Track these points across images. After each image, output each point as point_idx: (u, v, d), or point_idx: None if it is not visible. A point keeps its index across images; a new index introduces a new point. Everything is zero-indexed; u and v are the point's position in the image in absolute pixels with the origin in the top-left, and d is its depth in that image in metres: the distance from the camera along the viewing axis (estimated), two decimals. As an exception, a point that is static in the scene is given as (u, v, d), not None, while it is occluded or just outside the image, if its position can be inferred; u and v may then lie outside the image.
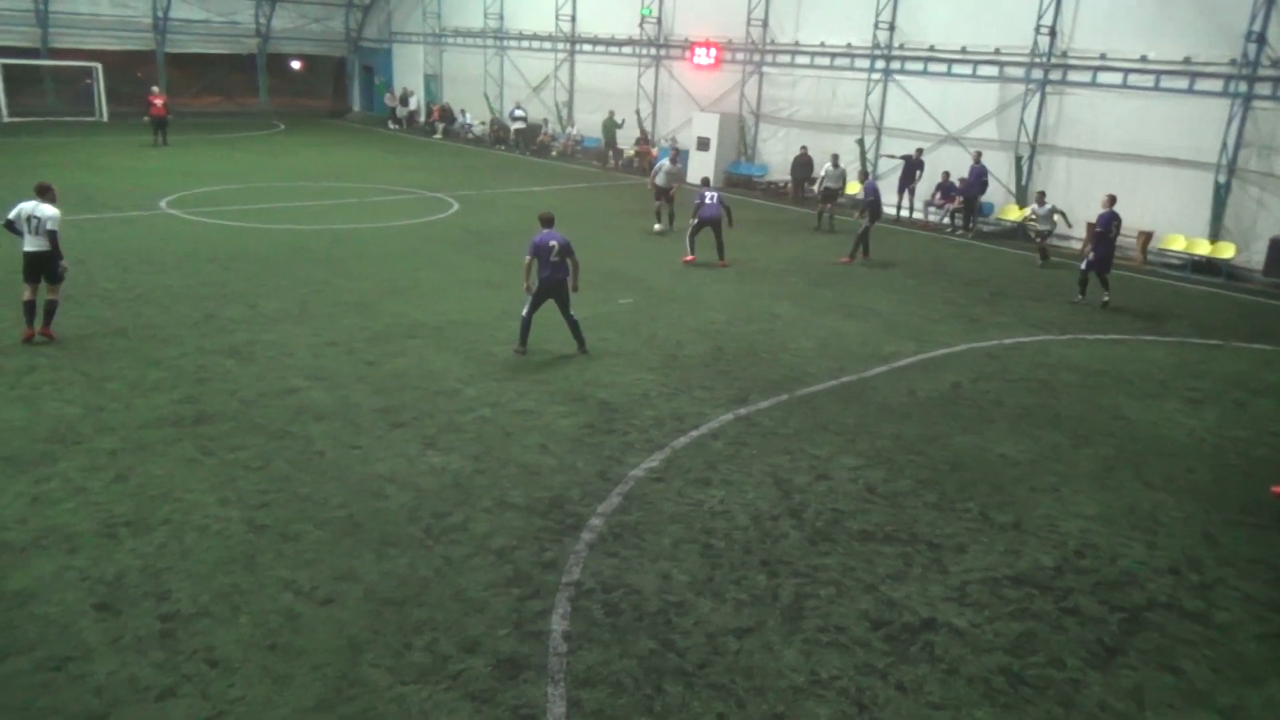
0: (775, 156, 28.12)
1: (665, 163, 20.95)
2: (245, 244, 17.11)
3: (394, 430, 9.36)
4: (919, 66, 24.25)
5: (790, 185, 26.82)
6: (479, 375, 11.04)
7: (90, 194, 21.02)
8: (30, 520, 7.25)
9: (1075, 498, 8.67)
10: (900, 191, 23.95)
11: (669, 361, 11.90)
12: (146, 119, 30.31)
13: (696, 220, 17.41)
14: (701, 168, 28.73)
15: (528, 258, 11.54)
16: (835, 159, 22.53)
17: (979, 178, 22.24)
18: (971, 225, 22.73)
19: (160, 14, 38.58)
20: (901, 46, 24.45)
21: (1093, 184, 21.20)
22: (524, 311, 11.83)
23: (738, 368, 11.82)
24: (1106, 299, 15.93)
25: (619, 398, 10.57)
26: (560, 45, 34.30)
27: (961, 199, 22.59)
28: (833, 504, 8.31)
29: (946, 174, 23.09)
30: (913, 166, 23.58)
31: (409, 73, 42.19)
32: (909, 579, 7.13)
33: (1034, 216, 19.50)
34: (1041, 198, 19.54)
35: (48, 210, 10.82)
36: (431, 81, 41.13)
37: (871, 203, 18.50)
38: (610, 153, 31.66)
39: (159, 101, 30.14)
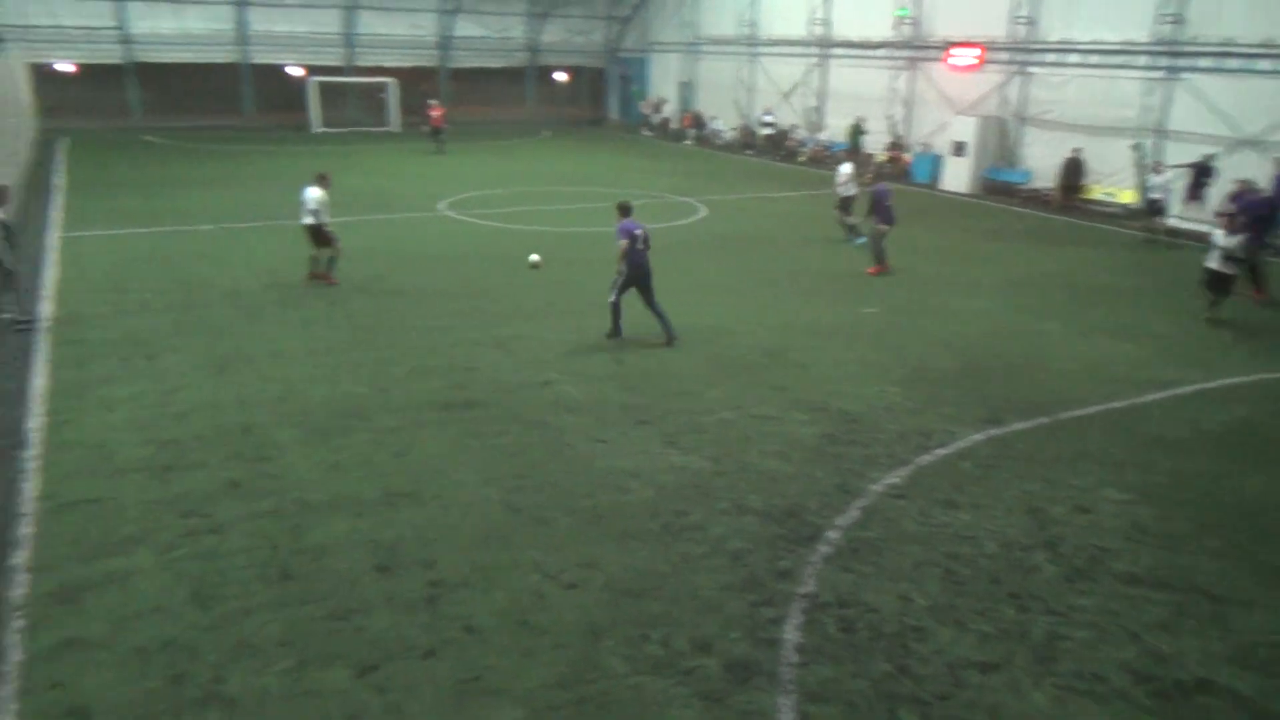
0: (1039, 162, 26.32)
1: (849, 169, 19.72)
2: (509, 243, 18.37)
3: (638, 427, 9.72)
4: (1210, 63, 21.80)
5: (1056, 192, 25.01)
6: (721, 378, 11.22)
7: (383, 196, 23.42)
8: (328, 485, 8.23)
9: (1397, 560, 7.49)
10: (1188, 201, 21.65)
11: (916, 375, 11.51)
12: (426, 129, 33.33)
13: (885, 226, 16.55)
14: (957, 174, 27.49)
15: (624, 242, 12.05)
16: (1157, 165, 20.61)
17: None
18: (1267, 242, 19.88)
19: (445, 32, 42.23)
20: (1191, 41, 22.09)
21: None
22: (611, 298, 12.36)
23: (991, 385, 11.22)
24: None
25: (861, 409, 10.37)
26: (812, 50, 34.01)
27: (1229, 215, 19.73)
28: (1094, 540, 7.70)
29: (1242, 183, 20.52)
30: (1202, 173, 21.21)
31: (664, 80, 43.50)
32: (1182, 632, 6.48)
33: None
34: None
35: (313, 193, 14.39)
36: (685, 89, 42.16)
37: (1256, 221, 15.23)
38: (855, 158, 30.88)
39: (436, 113, 32.98)
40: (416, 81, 42.28)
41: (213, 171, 26.97)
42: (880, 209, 16.62)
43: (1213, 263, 13.99)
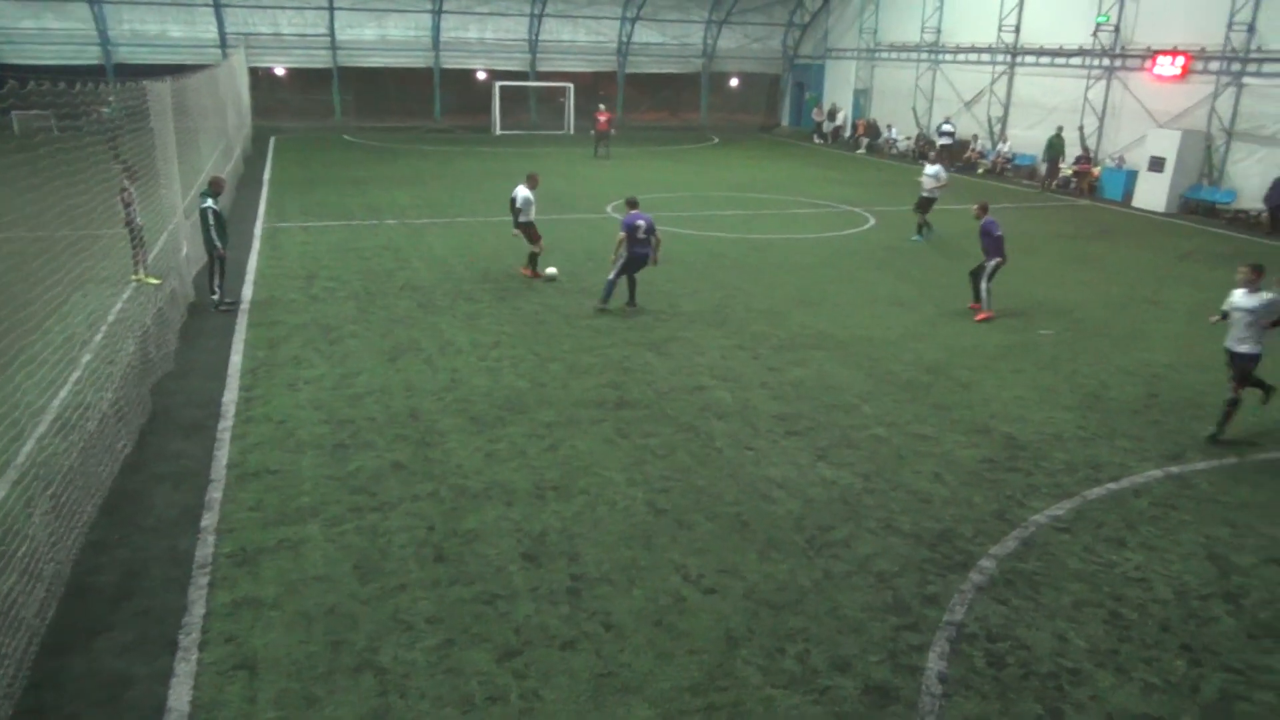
0: (1248, 181, 24.12)
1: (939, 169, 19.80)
2: (673, 249, 18.51)
3: (788, 437, 9.62)
4: None
5: (1267, 214, 22.87)
6: (878, 393, 10.94)
7: (555, 197, 24.16)
8: (483, 473, 8.60)
9: None
10: None
11: (1090, 402, 10.83)
12: (593, 132, 34.14)
13: (1000, 259, 14.05)
14: (1152, 191, 25.59)
15: (621, 234, 13.47)
16: None
17: None
18: None
19: (624, 38, 43.16)
20: None
21: None
22: (610, 275, 13.77)
23: (1175, 418, 10.41)
24: None
25: (1027, 435, 9.85)
26: (1000, 57, 32.53)
27: None
28: (1286, 596, 7.02)
29: None
30: None
31: (839, 88, 42.75)
32: (1385, 706, 5.81)
33: None
34: None
35: (519, 191, 15.31)
36: (860, 96, 41.29)
37: None
38: (1049, 170, 29.30)
39: (604, 118, 33.66)
40: (595, 86, 43.44)
41: (401, 170, 28.66)
42: (992, 243, 14.06)
43: None
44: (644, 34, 43.57)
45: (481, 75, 41.72)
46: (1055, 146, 28.92)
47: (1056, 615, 6.68)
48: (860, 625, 6.51)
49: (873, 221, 22.17)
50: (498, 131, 39.96)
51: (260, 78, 38.81)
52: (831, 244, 19.65)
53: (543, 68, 42.45)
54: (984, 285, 14.14)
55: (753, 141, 41.68)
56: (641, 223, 13.41)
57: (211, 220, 13.14)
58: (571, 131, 41.13)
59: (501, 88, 40.33)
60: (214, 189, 13.58)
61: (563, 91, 41.54)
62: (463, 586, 6.79)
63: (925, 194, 19.95)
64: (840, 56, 42.67)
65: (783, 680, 5.91)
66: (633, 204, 13.92)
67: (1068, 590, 7.00)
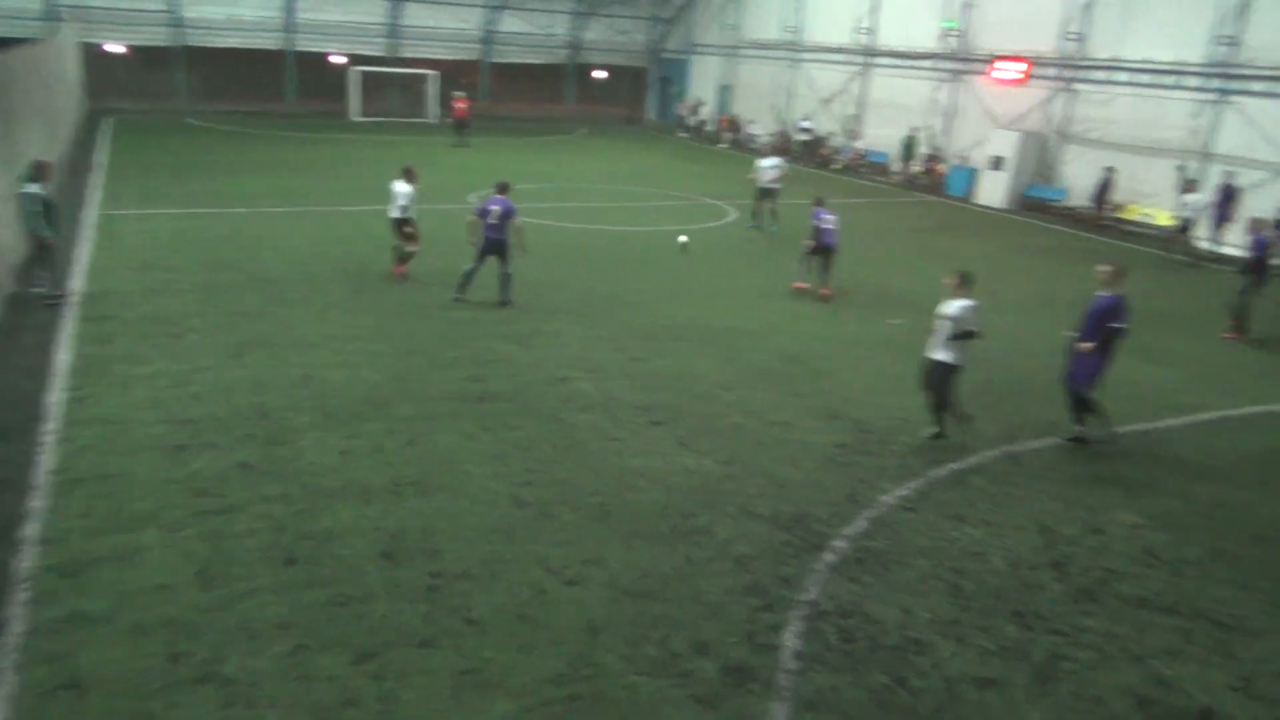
0: (1078, 180, 25.95)
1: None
2: (538, 240, 18.36)
3: (651, 427, 9.72)
4: (1263, 87, 21.39)
5: (1093, 210, 24.67)
6: (738, 382, 11.19)
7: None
8: (338, 471, 8.31)
9: None
10: (1217, 224, 21.28)
11: (935, 389, 11.39)
12: (450, 120, 33.51)
13: (813, 244, 15.39)
14: (993, 188, 27.19)
15: (472, 218, 13.45)
16: (1189, 186, 20.83)
17: None
18: None
19: (489, 27, 42.51)
20: (1247, 64, 21.69)
21: None
22: (468, 266, 13.52)
23: (1011, 402, 11.10)
24: None
25: (877, 420, 10.30)
26: (856, 58, 33.81)
27: None
28: (1104, 562, 7.59)
29: (1255, 220, 20.03)
30: (1228, 196, 20.76)
31: (703, 83, 43.47)
32: (1186, 658, 6.37)
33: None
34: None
35: (401, 188, 14.53)
36: (723, 92, 42.10)
37: (1257, 259, 14.82)
38: (906, 168, 30.64)
39: (462, 105, 33.02)
40: (458, 75, 42.57)
41: (251, 156, 27.34)
42: (821, 235, 15.30)
43: None
44: (509, 23, 43.03)
45: (338, 59, 40.25)
46: (911, 145, 30.33)
47: (902, 590, 7.02)
48: (720, 608, 6.65)
49: (734, 215, 22.65)
50: (356, 118, 38.68)
51: (95, 55, 36.15)
52: (695, 236, 19.92)
53: (404, 53, 41.33)
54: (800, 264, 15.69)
55: (619, 134, 41.86)
56: (495, 207, 13.16)
57: (38, 207, 12.16)
58: (434, 120, 40.24)
59: (360, 73, 39.04)
60: (38, 174, 12.56)
61: (425, 79, 40.57)
62: (316, 589, 6.55)
63: (765, 185, 20.44)
64: (704, 52, 43.37)
65: (645, 666, 5.98)
66: (500, 188, 13.57)
67: (913, 566, 7.36)
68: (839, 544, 7.63)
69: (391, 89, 41.74)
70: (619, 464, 8.83)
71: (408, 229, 14.68)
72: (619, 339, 12.51)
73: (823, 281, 15.39)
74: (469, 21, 42.23)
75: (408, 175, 14.70)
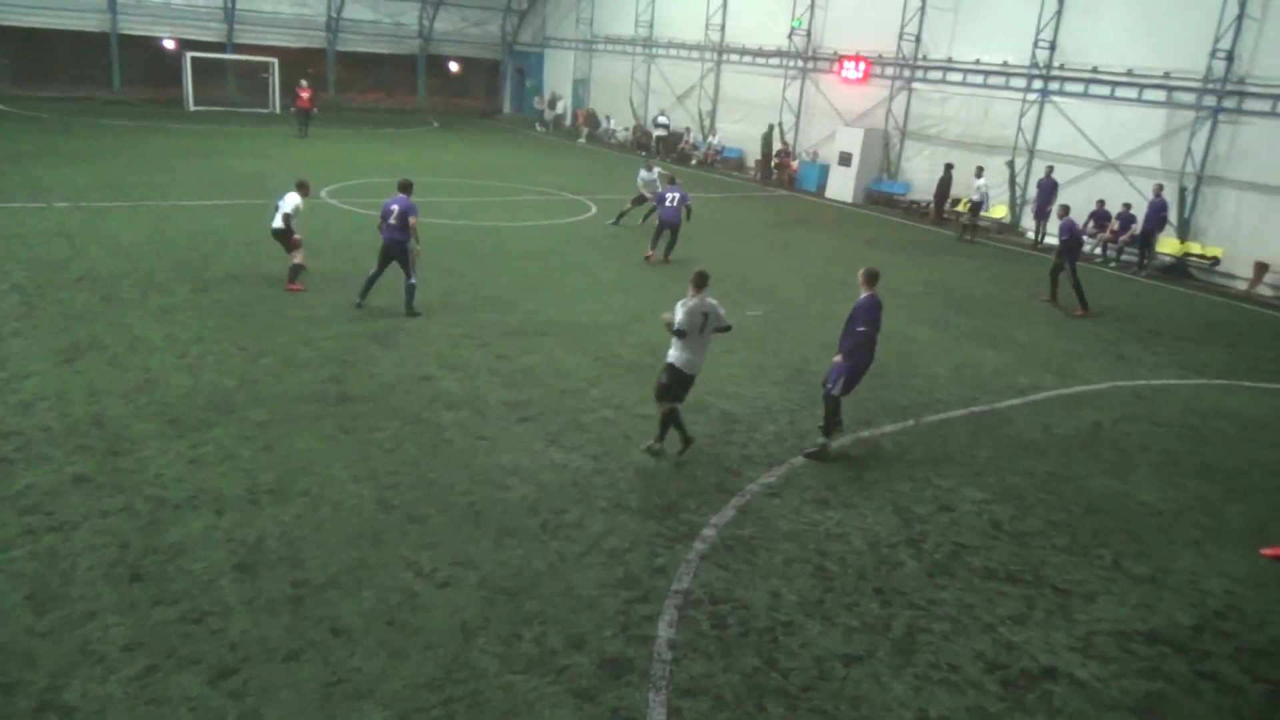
0: (919, 175, 27.40)
1: (643, 173, 20.45)
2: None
3: (520, 424, 9.62)
4: (1079, 88, 23.16)
5: (932, 206, 26.09)
6: (605, 376, 11.22)
7: (260, 180, 22.47)
8: (186, 480, 7.83)
9: (1221, 555, 8.10)
10: (1037, 217, 22.93)
11: (795, 377, 11.78)
12: (293, 109, 32.20)
13: (658, 221, 17.52)
14: (842, 183, 28.31)
15: (380, 219, 12.71)
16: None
17: (1158, 212, 20.58)
18: (1147, 263, 21.11)
19: (334, 14, 40.92)
20: (1062, 66, 23.41)
21: (1267, 221, 19.80)
22: (371, 271, 12.89)
23: (865, 389, 11.50)
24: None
25: (742, 410, 10.54)
26: (708, 55, 34.46)
27: (1130, 232, 21.06)
28: (955, 537, 8.05)
29: (1101, 202, 21.85)
30: (1049, 189, 22.42)
31: (559, 77, 43.29)
32: (1031, 623, 6.84)
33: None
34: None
35: (290, 199, 13.53)
36: (580, 86, 42.07)
37: (1067, 242, 16.43)
38: (764, 164, 31.42)
39: (305, 94, 31.78)
40: (303, 63, 40.82)
41: (75, 145, 25.34)
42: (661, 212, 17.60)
43: None
44: (355, 10, 41.54)
45: (169, 44, 37.84)
46: (768, 141, 31.18)
47: (770, 574, 7.22)
48: (594, 602, 6.65)
49: (595, 209, 22.69)
50: (191, 107, 36.49)
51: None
52: (556, 231, 19.88)
53: (243, 40, 39.21)
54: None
55: (474, 127, 41.20)
56: (395, 207, 12.43)
57: None
58: (277, 110, 38.44)
59: (194, 59, 36.84)
60: None
61: (266, 67, 38.70)
62: (166, 607, 6.15)
63: (641, 193, 20.50)
64: (559, 46, 43.20)
65: (520, 665, 5.92)
66: (401, 186, 12.76)
67: (779, 550, 7.58)
68: (709, 533, 7.78)
69: (230, 77, 39.61)
70: (488, 462, 8.70)
71: (295, 237, 13.63)
72: (484, 336, 12.32)
73: (662, 253, 17.45)
74: (311, 8, 40.52)
75: (301, 188, 13.76)
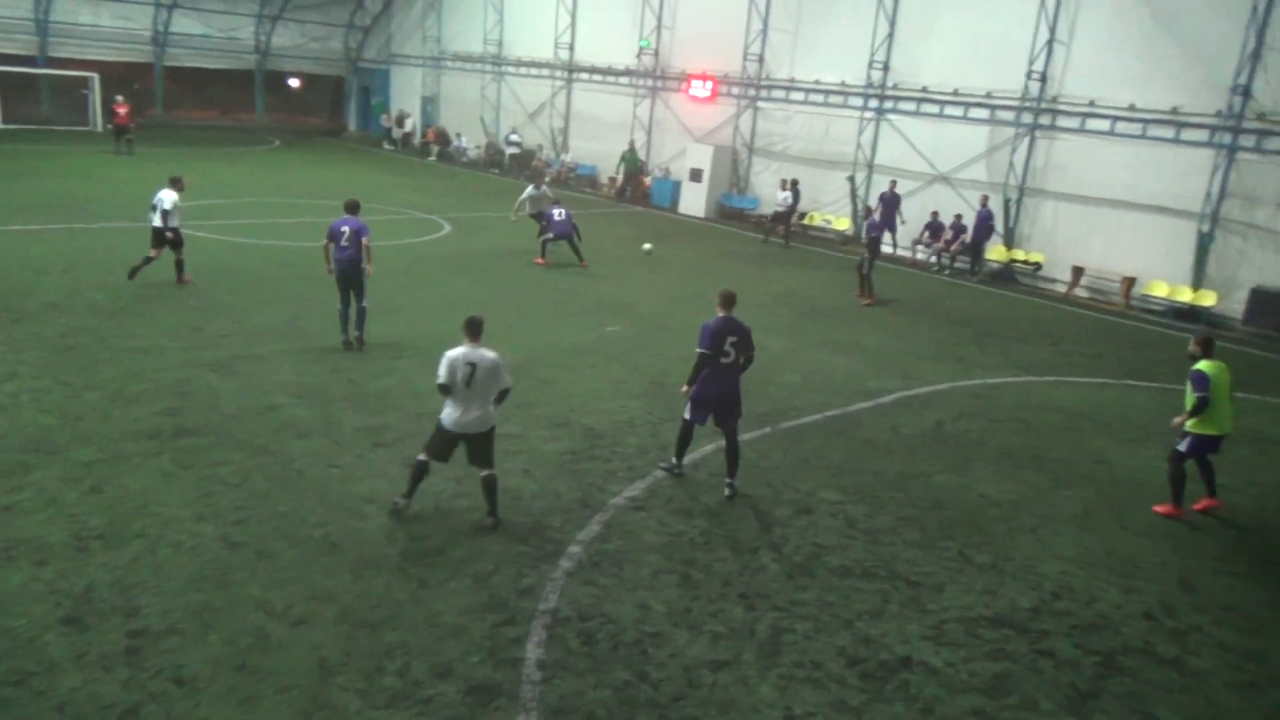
0: (768, 190, 28.30)
1: (531, 190, 20.56)
2: (235, 259, 17.08)
3: (376, 450, 9.31)
4: (912, 106, 24.54)
5: (770, 221, 26.96)
6: (463, 398, 10.98)
7: (80, 202, 21.00)
8: (2, 530, 7.16)
9: (1054, 539, 8.68)
10: (882, 228, 24.08)
11: (654, 389, 11.90)
12: (110, 126, 30.43)
13: (551, 235, 18.81)
14: (694, 199, 28.92)
15: (325, 241, 12.20)
16: (786, 183, 24.60)
17: (986, 221, 22.07)
18: (978, 269, 22.55)
19: (160, 27, 38.75)
20: (895, 86, 24.75)
21: (1079, 228, 21.49)
22: (339, 306, 12.33)
23: (723, 399, 11.81)
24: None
25: (603, 424, 10.56)
26: (558, 73, 34.58)
27: (961, 240, 22.51)
28: (813, 538, 8.29)
29: (935, 213, 23.26)
30: (892, 202, 23.69)
31: (407, 94, 42.43)
32: (886, 616, 7.11)
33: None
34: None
35: (167, 195, 14.44)
36: (429, 104, 41.37)
37: (872, 240, 18.53)
38: (624, 182, 31.63)
39: (123, 110, 30.26)
40: (129, 78, 38.43)
41: None
42: (552, 227, 18.98)
43: None
44: (184, 24, 39.44)
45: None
46: (629, 160, 31.44)
47: (638, 587, 7.23)
48: (460, 629, 6.48)
49: (448, 228, 22.33)
50: None
51: None
52: (409, 251, 19.42)
53: (58, 53, 36.52)
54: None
55: (319, 146, 39.84)
56: (346, 228, 11.94)
57: None
58: (99, 128, 36.03)
59: (1, 74, 34.10)
60: None
61: (85, 82, 36.21)
62: (-19, 670, 5.59)
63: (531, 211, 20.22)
64: (405, 63, 42.38)
65: (383, 699, 5.69)
66: (349, 207, 12.34)
67: (646, 562, 7.61)
68: (575, 549, 7.72)
69: (45, 93, 36.85)
70: (343, 491, 8.36)
71: (170, 235, 14.46)
72: (334, 361, 11.86)
73: (579, 258, 18.82)
74: (136, 20, 38.17)
75: (175, 184, 14.62)
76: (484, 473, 8.00)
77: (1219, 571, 8.34)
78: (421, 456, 8.02)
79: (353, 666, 5.97)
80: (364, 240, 12.01)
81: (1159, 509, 9.47)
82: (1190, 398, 9.19)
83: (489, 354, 7.92)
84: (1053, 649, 6.87)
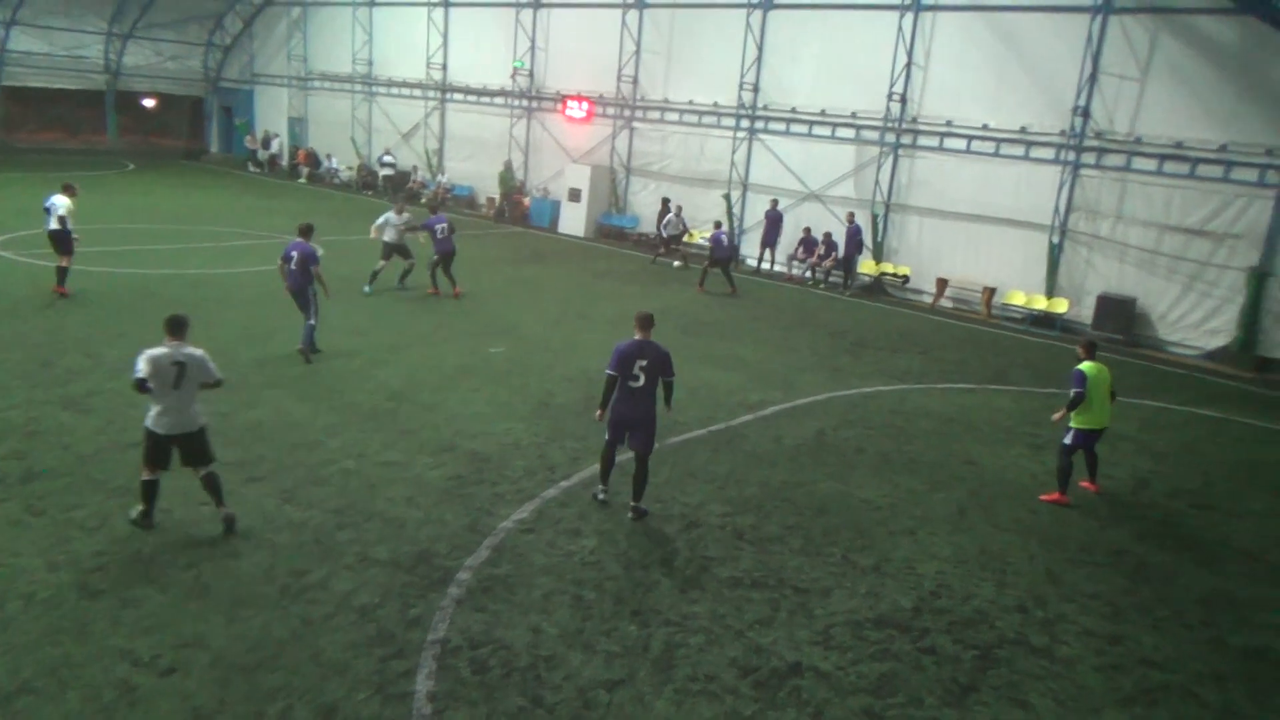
0: (646, 209, 28.64)
1: (390, 216, 18.00)
2: (87, 288, 16.07)
3: (248, 485, 8.89)
4: (782, 127, 25.29)
5: (659, 237, 27.36)
6: (342, 425, 10.66)
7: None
8: None
9: (931, 540, 9.03)
10: (763, 246, 24.76)
11: (540, 410, 11.81)
12: None
13: (435, 255, 17.80)
14: (574, 218, 28.98)
15: (279, 262, 13.16)
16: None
17: (855, 236, 22.86)
18: (850, 283, 23.31)
19: (-3, 45, 36.34)
20: (765, 107, 25.47)
21: (942, 242, 22.57)
22: (310, 322, 13.10)
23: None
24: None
25: (489, 448, 10.39)
26: (431, 93, 34.13)
27: (834, 256, 23.31)
28: (703, 551, 8.37)
29: (808, 229, 24.02)
30: (775, 220, 24.41)
31: (272, 115, 41.02)
32: (776, 624, 7.23)
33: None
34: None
35: (60, 200, 15.20)
36: (296, 125, 40.11)
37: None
38: (501, 202, 31.37)
39: None
40: (-39, 99, 35.90)
41: None
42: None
43: None
44: (24, 41, 37.07)
45: None
46: (506, 180, 31.21)
47: (530, 610, 7.12)
48: (345, 665, 6.24)
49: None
50: None
51: None
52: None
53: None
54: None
55: (177, 169, 38.04)
56: (295, 253, 12.80)
57: None
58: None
59: None
60: None
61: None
62: None
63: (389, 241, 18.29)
64: (270, 83, 40.99)
65: (264, 748, 5.41)
66: (303, 231, 13.23)
67: (537, 585, 7.51)
68: (463, 576, 7.56)
69: None
70: (213, 530, 7.93)
71: (68, 241, 15.00)
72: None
73: (452, 283, 17.78)
74: (-34, 38, 35.71)
75: (68, 190, 15.33)
76: (202, 472, 7.87)
77: (1081, 562, 8.84)
78: (145, 476, 7.71)
79: (230, 713, 5.67)
80: (314, 269, 12.94)
81: (1045, 497, 10.27)
82: (1071, 394, 10.08)
83: (196, 351, 7.89)
84: (934, 646, 7.13)
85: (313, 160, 37.72)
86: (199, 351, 7.88)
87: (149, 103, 42.35)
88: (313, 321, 13.02)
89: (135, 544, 7.56)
